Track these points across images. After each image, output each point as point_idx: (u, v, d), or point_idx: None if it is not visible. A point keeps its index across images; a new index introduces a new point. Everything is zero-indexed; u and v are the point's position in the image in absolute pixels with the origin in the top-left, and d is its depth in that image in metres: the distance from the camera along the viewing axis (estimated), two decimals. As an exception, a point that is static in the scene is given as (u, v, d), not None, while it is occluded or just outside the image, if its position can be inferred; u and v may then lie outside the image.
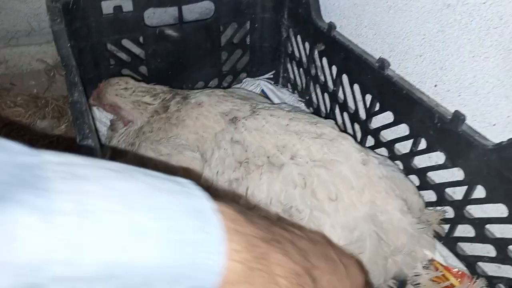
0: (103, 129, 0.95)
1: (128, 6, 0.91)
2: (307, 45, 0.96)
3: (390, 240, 0.62)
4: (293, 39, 1.03)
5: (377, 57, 0.76)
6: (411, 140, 0.71)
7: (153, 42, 0.96)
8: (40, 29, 1.14)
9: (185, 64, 1.02)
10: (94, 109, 0.96)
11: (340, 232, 0.61)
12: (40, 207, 0.24)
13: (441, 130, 0.64)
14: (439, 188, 0.69)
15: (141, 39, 0.95)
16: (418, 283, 0.65)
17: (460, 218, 0.67)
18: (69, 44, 0.73)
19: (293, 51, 1.04)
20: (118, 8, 0.90)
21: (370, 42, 0.83)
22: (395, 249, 0.62)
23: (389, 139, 0.78)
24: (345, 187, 0.63)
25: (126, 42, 0.95)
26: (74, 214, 0.25)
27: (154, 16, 1.10)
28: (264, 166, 0.67)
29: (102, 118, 0.96)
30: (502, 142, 0.56)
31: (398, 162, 0.76)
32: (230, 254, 0.30)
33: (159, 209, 0.28)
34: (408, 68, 0.75)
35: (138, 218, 0.27)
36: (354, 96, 0.84)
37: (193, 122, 0.77)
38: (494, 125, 0.62)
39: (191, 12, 1.13)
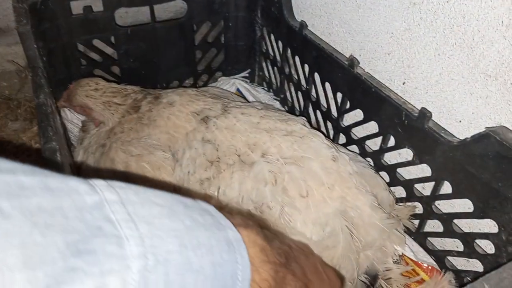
0: (74, 130, 0.93)
1: (98, 6, 0.90)
2: (280, 43, 0.97)
3: (361, 235, 0.63)
4: (267, 38, 1.03)
5: (348, 56, 0.76)
6: (380, 137, 0.72)
7: (125, 42, 0.95)
8: (9, 30, 1.12)
9: (159, 63, 1.02)
10: (66, 110, 0.95)
11: (312, 228, 0.61)
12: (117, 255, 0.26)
13: (409, 127, 0.65)
14: (408, 184, 0.70)
15: (112, 39, 0.94)
16: (389, 278, 0.66)
17: (429, 213, 0.68)
18: (35, 46, 0.72)
19: (267, 49, 1.04)
20: (88, 8, 0.89)
21: (341, 41, 0.83)
22: (366, 244, 0.63)
23: (360, 137, 0.79)
24: (315, 183, 0.63)
25: (97, 42, 0.94)
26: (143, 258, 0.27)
27: (128, 15, 1.10)
28: (235, 164, 0.67)
29: (73, 119, 0.95)
30: (467, 138, 0.57)
31: (369, 159, 0.76)
32: (259, 283, 0.34)
33: (203, 245, 0.31)
34: (378, 66, 0.76)
35: (191, 256, 0.30)
36: (326, 94, 0.85)
37: (165, 122, 0.76)
38: (460, 121, 0.64)
39: (165, 11, 1.12)
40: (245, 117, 0.72)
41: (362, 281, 0.65)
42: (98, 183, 0.29)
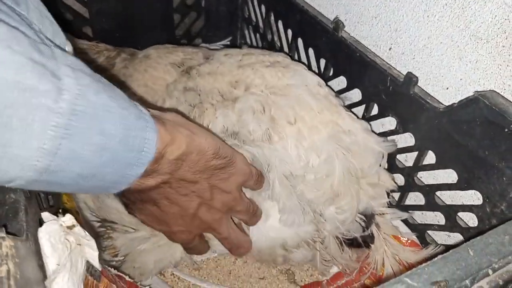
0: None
1: (69, -41, 0.84)
2: (263, 8, 0.92)
3: (357, 162, 0.59)
4: (249, 3, 0.98)
5: (333, 20, 0.72)
6: (364, 106, 0.69)
7: (98, 1, 0.89)
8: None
9: (135, 26, 0.96)
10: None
11: (306, 154, 0.58)
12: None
13: (393, 93, 0.61)
14: (391, 155, 0.67)
15: (84, -4, 0.88)
16: (379, 223, 0.63)
17: (411, 185, 0.65)
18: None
19: (249, 15, 1.00)
20: (57, -39, 0.83)
21: (326, 4, 0.79)
22: (363, 172, 0.59)
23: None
24: (304, 109, 0.60)
25: (68, 0, 0.88)
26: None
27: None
28: (219, 103, 0.63)
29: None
30: (454, 103, 0.54)
31: (351, 129, 0.73)
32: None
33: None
34: (364, 31, 0.72)
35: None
36: (309, 61, 0.80)
37: (142, 75, 0.71)
38: (447, 88, 0.60)
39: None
40: (227, 58, 0.68)
41: (358, 222, 0.61)
42: (71, 88, 0.32)
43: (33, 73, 0.29)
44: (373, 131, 0.65)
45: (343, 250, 0.61)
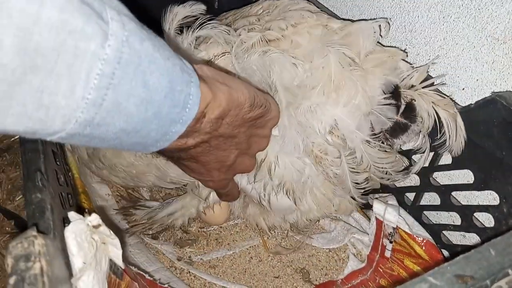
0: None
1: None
2: (276, 9, 0.92)
3: (352, 48, 0.56)
4: None
5: (347, 20, 0.73)
6: (379, 106, 0.69)
7: None
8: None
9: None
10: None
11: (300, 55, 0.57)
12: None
13: (409, 94, 0.62)
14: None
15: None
16: (412, 100, 0.56)
17: (426, 185, 0.65)
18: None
19: None
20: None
21: (340, 5, 0.79)
22: (362, 56, 0.57)
23: (357, 106, 0.76)
24: (295, 18, 0.60)
25: None
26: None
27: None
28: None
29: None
30: (470, 104, 0.54)
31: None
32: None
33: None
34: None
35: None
36: (323, 62, 0.81)
37: None
38: (463, 89, 0.60)
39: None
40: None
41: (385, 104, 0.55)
42: (117, 33, 0.30)
43: (80, 13, 0.27)
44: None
45: (386, 149, 0.58)
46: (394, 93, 0.55)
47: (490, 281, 0.31)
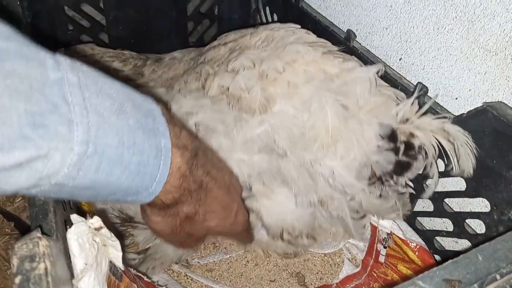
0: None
1: (88, -31, 0.86)
2: (275, 17, 0.94)
3: (349, 99, 0.57)
4: (262, 11, 1.00)
5: (345, 30, 0.74)
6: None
7: (114, 8, 0.92)
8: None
9: (149, 32, 0.99)
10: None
11: (297, 106, 0.58)
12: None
13: (404, 102, 0.63)
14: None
15: (101, 4, 0.91)
16: (410, 135, 0.57)
17: (420, 192, 0.67)
18: (19, 4, 0.68)
19: (261, 23, 1.02)
20: (77, -30, 0.85)
21: (338, 15, 0.81)
22: (359, 105, 0.58)
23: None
24: (291, 56, 0.60)
25: (85, 7, 0.91)
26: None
27: (118, -18, 1.06)
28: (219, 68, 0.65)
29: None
30: (463, 114, 0.56)
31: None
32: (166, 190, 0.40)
33: (137, 145, 0.35)
34: (375, 41, 0.74)
35: (124, 153, 0.34)
36: (321, 69, 0.82)
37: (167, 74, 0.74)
38: (456, 98, 0.62)
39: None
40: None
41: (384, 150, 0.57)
42: (64, 61, 0.31)
43: (28, 43, 0.29)
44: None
45: (387, 193, 0.59)
46: (391, 135, 0.57)
47: (478, 285, 0.33)
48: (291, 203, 0.60)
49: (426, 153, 0.57)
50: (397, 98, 0.60)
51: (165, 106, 0.43)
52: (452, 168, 0.56)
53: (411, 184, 0.61)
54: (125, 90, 0.36)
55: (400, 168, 0.58)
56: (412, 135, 0.57)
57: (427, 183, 0.63)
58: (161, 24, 0.98)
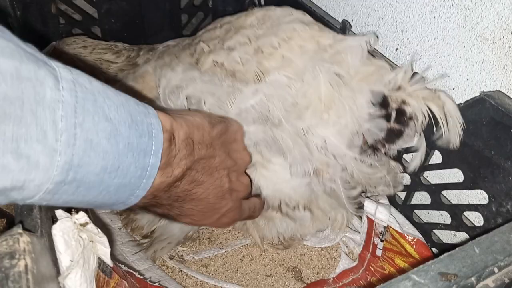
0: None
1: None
2: (270, 8, 0.92)
3: (342, 67, 0.57)
4: (256, 2, 0.98)
5: (340, 20, 0.73)
6: (370, 105, 0.69)
7: (107, 1, 0.90)
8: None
9: (142, 25, 0.97)
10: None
11: (292, 73, 0.58)
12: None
13: (400, 93, 0.62)
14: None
15: (93, -3, 0.89)
16: (402, 103, 0.56)
17: (417, 184, 0.66)
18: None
19: (256, 15, 1.00)
20: (67, -38, 0.83)
21: (333, 5, 0.80)
22: (352, 73, 0.57)
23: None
24: (287, 33, 0.60)
25: (77, 0, 0.89)
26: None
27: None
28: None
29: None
30: (460, 104, 0.54)
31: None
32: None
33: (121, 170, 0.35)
34: (370, 32, 0.72)
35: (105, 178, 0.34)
36: (316, 61, 0.81)
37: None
38: (454, 88, 0.61)
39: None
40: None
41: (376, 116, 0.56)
42: (66, 76, 0.30)
43: (29, 60, 0.28)
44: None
45: (378, 162, 0.59)
46: (383, 102, 0.56)
47: (475, 278, 0.32)
48: (286, 173, 0.59)
49: (417, 119, 0.57)
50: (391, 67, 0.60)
51: (170, 116, 0.42)
52: (441, 135, 0.56)
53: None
54: (126, 104, 0.36)
55: (392, 135, 0.57)
56: (404, 102, 0.56)
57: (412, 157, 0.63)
58: (154, 17, 0.97)
